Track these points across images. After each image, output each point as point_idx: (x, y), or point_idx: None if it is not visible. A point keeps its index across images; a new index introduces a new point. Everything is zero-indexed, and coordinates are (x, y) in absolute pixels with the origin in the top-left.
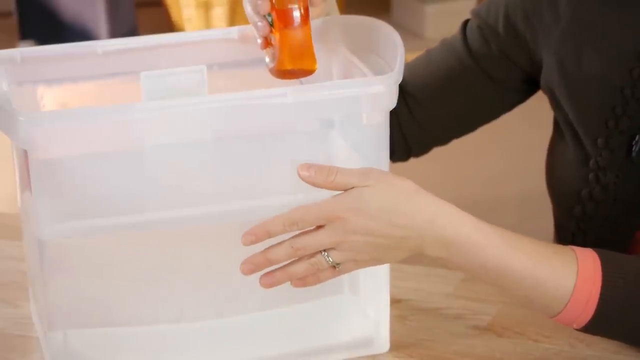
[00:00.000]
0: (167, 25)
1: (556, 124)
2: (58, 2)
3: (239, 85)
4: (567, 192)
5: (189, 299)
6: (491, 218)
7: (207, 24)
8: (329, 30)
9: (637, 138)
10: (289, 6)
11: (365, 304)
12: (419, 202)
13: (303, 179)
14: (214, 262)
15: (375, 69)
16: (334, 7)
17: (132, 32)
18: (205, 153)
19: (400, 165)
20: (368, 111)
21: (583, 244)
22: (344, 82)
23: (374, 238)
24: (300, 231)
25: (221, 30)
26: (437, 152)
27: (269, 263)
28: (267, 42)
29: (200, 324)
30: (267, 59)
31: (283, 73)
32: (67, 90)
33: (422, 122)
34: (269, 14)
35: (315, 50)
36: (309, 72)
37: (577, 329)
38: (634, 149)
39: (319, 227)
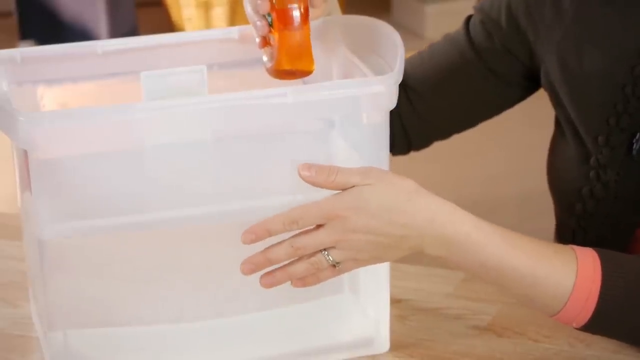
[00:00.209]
0: (167, 25)
1: (557, 122)
2: (58, 2)
3: (239, 85)
4: (567, 189)
5: (189, 299)
6: (491, 218)
7: (207, 24)
8: (329, 30)
9: (637, 136)
10: (289, 6)
11: (365, 303)
12: (419, 201)
13: (304, 178)
14: (214, 262)
15: (375, 69)
16: (336, 6)
17: (132, 32)
18: (205, 153)
19: (400, 165)
20: (368, 111)
21: (583, 241)
22: (344, 82)
23: (374, 237)
24: (300, 230)
25: (221, 30)
26: (437, 152)
27: (269, 263)
28: (265, 42)
29: (200, 324)
30: (265, 58)
31: (280, 73)
32: (67, 90)
33: (423, 115)
34: (269, 14)
35: (315, 50)
36: (306, 73)
37: (577, 328)
38: (634, 146)
39: (319, 226)
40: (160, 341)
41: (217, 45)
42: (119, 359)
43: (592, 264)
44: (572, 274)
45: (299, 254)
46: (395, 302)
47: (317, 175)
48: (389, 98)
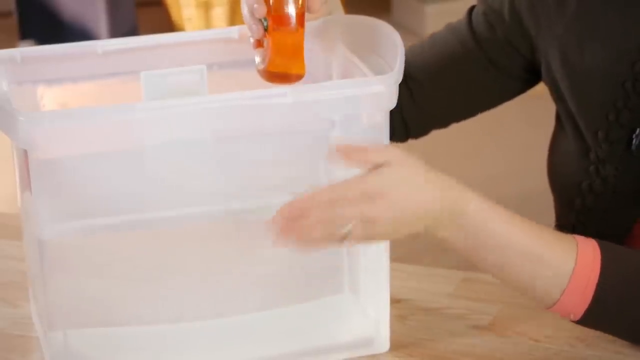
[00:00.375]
0: (167, 25)
1: (558, 118)
2: (58, 2)
3: (239, 85)
4: (567, 184)
5: (189, 299)
6: None
7: (207, 24)
8: (329, 30)
9: (637, 131)
10: (285, 11)
11: (365, 303)
12: (434, 180)
13: (337, 159)
14: (214, 262)
15: (375, 69)
16: (338, 5)
17: (132, 32)
18: (205, 153)
19: None
20: (368, 111)
21: (583, 236)
22: (344, 82)
23: (399, 214)
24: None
25: (221, 30)
26: (437, 152)
27: (300, 219)
28: (259, 43)
29: (200, 324)
30: (258, 60)
31: (272, 75)
32: (67, 90)
33: (421, 103)
34: (265, 19)
35: (315, 50)
36: (297, 77)
37: (574, 321)
38: (634, 142)
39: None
40: (160, 341)
41: (217, 45)
42: (119, 359)
43: (592, 252)
44: (572, 261)
45: (332, 221)
46: (395, 302)
47: (352, 153)
48: (389, 98)
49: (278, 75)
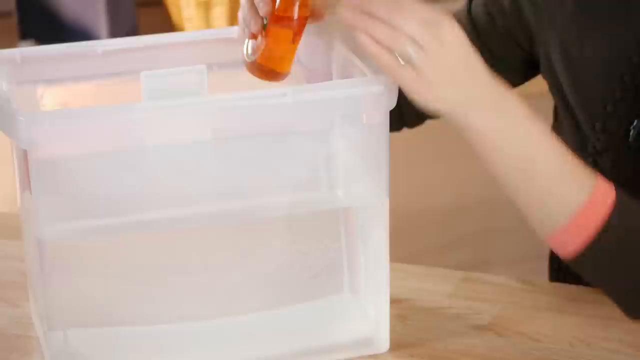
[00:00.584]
0: (167, 25)
1: (555, 113)
2: (58, 2)
3: (239, 85)
4: None
5: (189, 299)
6: (491, 218)
7: (207, 24)
8: (329, 30)
9: (634, 123)
10: (290, 14)
11: (366, 303)
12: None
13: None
14: (214, 262)
15: (376, 69)
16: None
17: (132, 32)
18: (205, 153)
19: (400, 164)
20: (368, 111)
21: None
22: (344, 82)
23: (456, 61)
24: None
25: (221, 30)
26: (437, 152)
27: (367, 14)
28: (253, 35)
29: (200, 324)
30: (248, 51)
31: (260, 69)
32: (67, 90)
33: None
34: (265, 17)
35: (315, 50)
36: (284, 76)
37: (567, 259)
38: (631, 133)
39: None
40: (161, 341)
41: (217, 45)
42: (119, 359)
43: (608, 189)
44: (590, 188)
45: (393, 30)
46: (395, 302)
47: None
48: (389, 98)
49: (266, 70)
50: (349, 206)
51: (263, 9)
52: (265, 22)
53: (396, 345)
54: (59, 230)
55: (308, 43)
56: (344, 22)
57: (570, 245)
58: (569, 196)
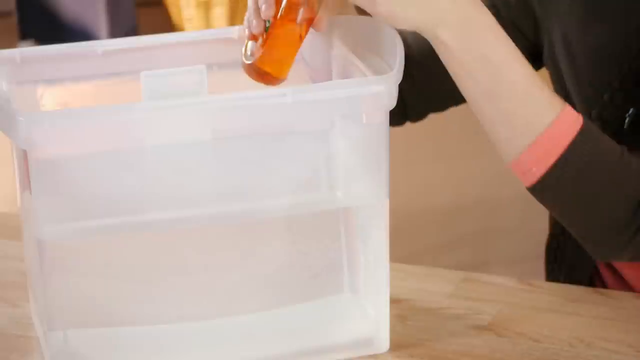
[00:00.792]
0: (167, 25)
1: None
2: (58, 2)
3: (239, 85)
4: None
5: (189, 299)
6: (491, 218)
7: (207, 24)
8: (329, 30)
9: (630, 111)
10: (294, 20)
11: (365, 303)
12: None
13: None
14: (214, 262)
15: (375, 69)
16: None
17: (132, 32)
18: (205, 153)
19: (401, 164)
20: (368, 111)
21: None
22: (344, 82)
23: None
24: None
25: (221, 30)
26: (437, 152)
27: None
28: (254, 36)
29: (200, 324)
30: (247, 52)
31: (258, 72)
32: (67, 90)
33: (420, 84)
34: (268, 20)
35: (315, 50)
36: (280, 81)
37: (530, 185)
38: (626, 121)
39: None
40: (161, 341)
41: (217, 45)
42: (119, 359)
43: (575, 115)
44: (557, 109)
45: None
46: (395, 302)
47: None
48: (389, 98)
49: (262, 73)
50: (349, 206)
51: (265, 13)
52: (267, 25)
53: (396, 345)
54: (59, 230)
55: (309, 42)
56: None
57: (537, 167)
58: (535, 118)
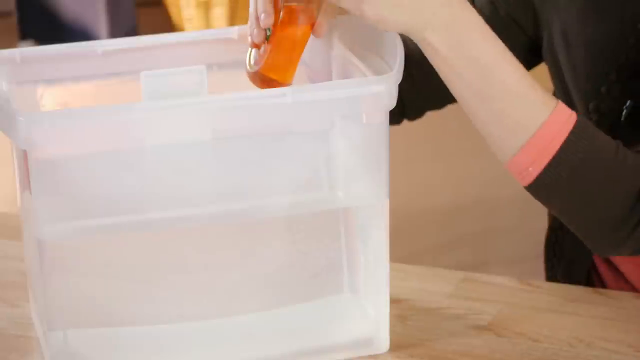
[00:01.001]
0: (167, 25)
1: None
2: (58, 2)
3: (239, 85)
4: None
5: (189, 299)
6: (491, 218)
7: (207, 24)
8: (329, 30)
9: (627, 103)
10: (293, 29)
11: (366, 303)
12: None
13: None
14: (214, 262)
15: (375, 69)
16: None
17: (132, 32)
18: (205, 153)
19: (401, 164)
20: (368, 111)
21: None
22: (344, 82)
23: None
24: None
25: (221, 30)
26: (437, 152)
27: None
28: (256, 44)
29: (200, 324)
30: (251, 61)
31: (262, 79)
32: (67, 90)
33: (418, 82)
34: (268, 29)
35: (315, 50)
36: (287, 86)
37: (526, 184)
38: (624, 113)
39: None
40: (161, 341)
41: (217, 45)
42: (119, 359)
43: (568, 113)
44: (549, 108)
45: None
46: (395, 302)
47: None
48: (389, 98)
49: (268, 80)
50: (349, 206)
51: (264, 22)
52: (268, 33)
53: (396, 345)
54: (59, 230)
55: (309, 43)
56: None
57: (532, 167)
58: (527, 118)
